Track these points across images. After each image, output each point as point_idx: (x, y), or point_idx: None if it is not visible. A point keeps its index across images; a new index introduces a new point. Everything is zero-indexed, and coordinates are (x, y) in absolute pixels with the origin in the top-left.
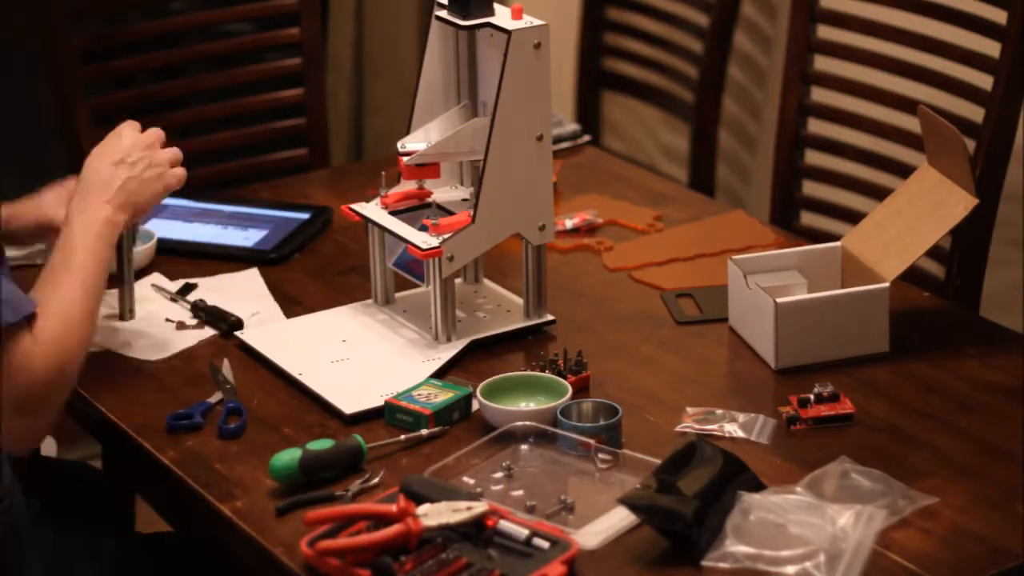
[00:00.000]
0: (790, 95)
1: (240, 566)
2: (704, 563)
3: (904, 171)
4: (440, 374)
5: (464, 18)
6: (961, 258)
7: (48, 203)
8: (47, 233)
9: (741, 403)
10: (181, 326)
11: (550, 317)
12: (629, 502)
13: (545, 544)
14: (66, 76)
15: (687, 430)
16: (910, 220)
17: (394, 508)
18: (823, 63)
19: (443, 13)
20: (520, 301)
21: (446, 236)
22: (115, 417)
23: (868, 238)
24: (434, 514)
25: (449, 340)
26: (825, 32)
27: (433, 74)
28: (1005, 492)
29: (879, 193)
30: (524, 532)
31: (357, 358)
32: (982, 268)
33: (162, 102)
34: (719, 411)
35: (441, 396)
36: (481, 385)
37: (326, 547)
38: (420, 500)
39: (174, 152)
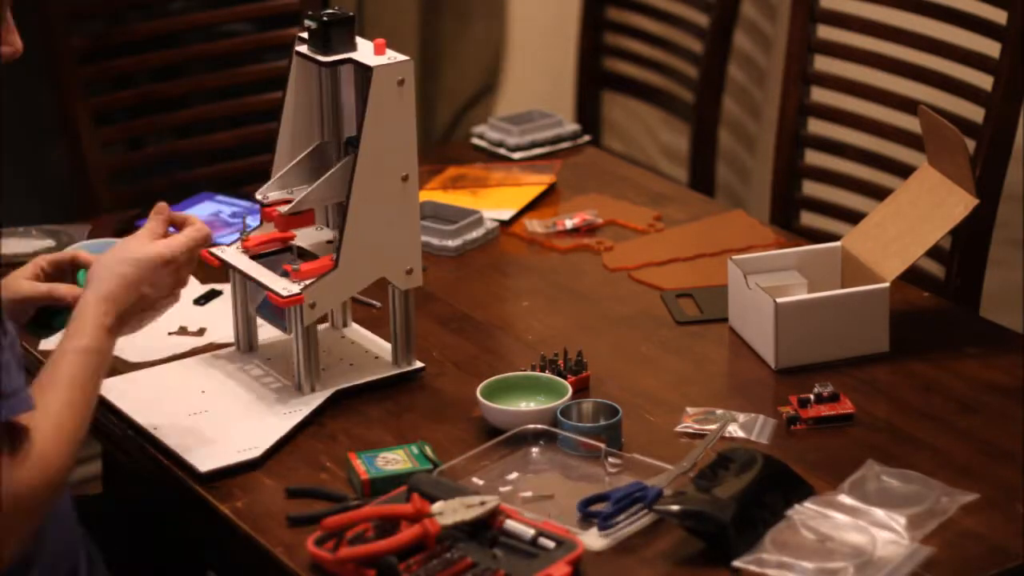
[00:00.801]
0: (790, 95)
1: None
2: (735, 563)
3: (904, 171)
4: (304, 425)
5: (325, 54)
6: (961, 258)
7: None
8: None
9: (741, 403)
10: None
11: (419, 364)
12: (663, 508)
13: (551, 544)
14: (66, 76)
15: (687, 430)
16: (910, 220)
17: (409, 508)
18: (823, 63)
19: (303, 48)
20: (380, 347)
21: (307, 282)
22: (115, 416)
23: (868, 238)
24: (449, 512)
25: (313, 390)
26: (825, 32)
27: (295, 113)
28: (1005, 492)
29: (879, 193)
30: (530, 532)
31: (216, 410)
32: (982, 268)
33: (162, 102)
34: (719, 411)
35: (398, 465)
36: (481, 385)
37: (349, 555)
38: (430, 500)
39: (190, 266)
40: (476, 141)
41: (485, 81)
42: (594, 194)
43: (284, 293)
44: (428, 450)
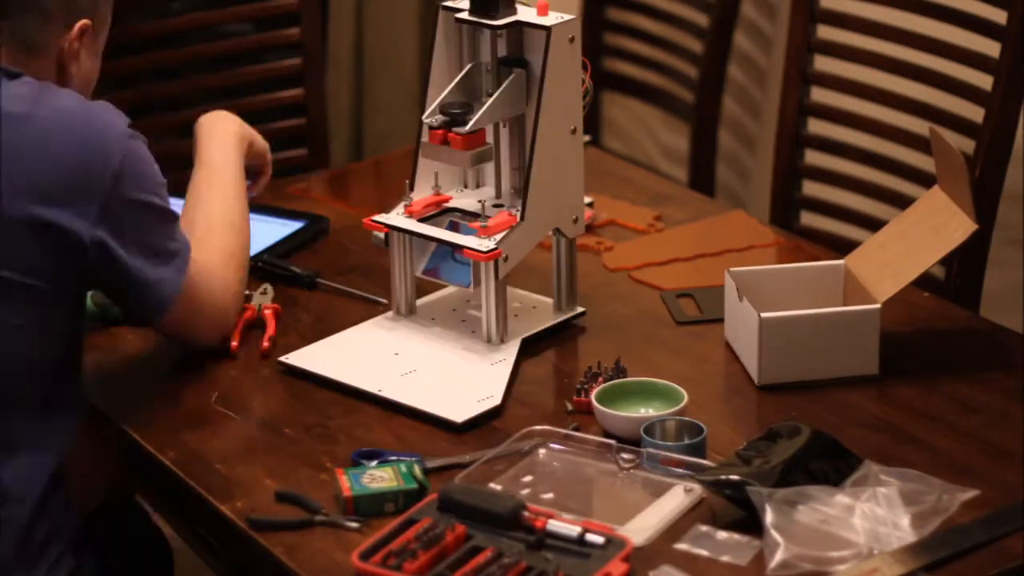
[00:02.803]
0: (790, 95)
1: None
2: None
3: (904, 171)
4: (513, 376)
5: (493, 18)
6: (961, 258)
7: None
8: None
9: (741, 403)
10: None
11: (580, 309)
12: (706, 479)
13: (599, 540)
14: None
15: None
16: (911, 242)
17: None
18: (823, 63)
19: (463, 15)
20: (535, 297)
21: (499, 236)
22: (115, 417)
23: (870, 258)
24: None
25: (503, 341)
26: (825, 32)
27: (443, 73)
28: (1005, 492)
29: (879, 193)
30: (576, 530)
31: (425, 369)
32: (982, 268)
33: (162, 102)
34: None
35: (384, 484)
36: (596, 391)
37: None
38: (460, 508)
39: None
40: None
41: None
42: (594, 194)
43: (482, 249)
44: (417, 470)
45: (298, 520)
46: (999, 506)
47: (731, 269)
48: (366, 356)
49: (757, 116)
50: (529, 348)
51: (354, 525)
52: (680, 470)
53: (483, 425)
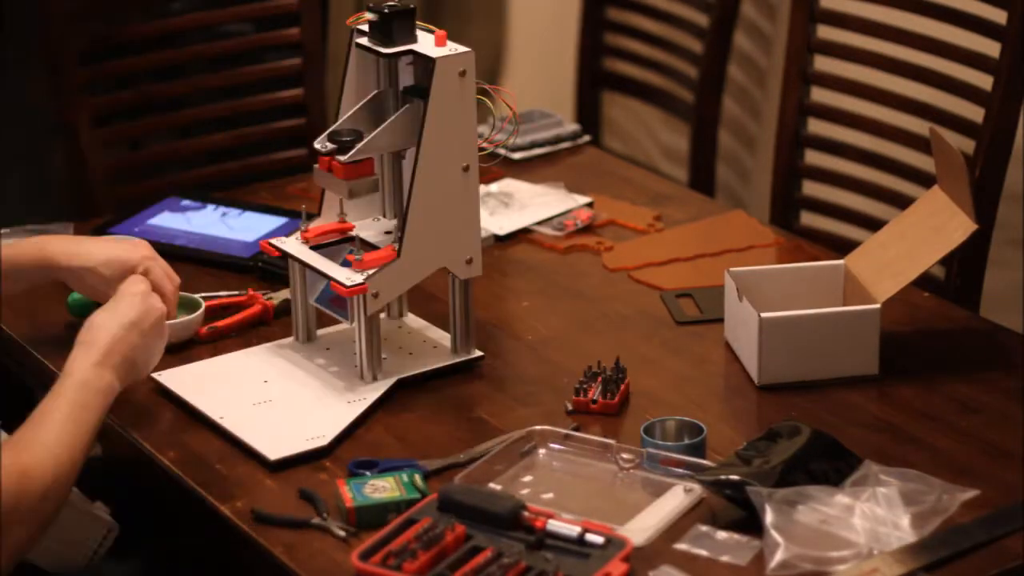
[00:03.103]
0: (790, 95)
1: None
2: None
3: (904, 171)
4: (367, 415)
5: (386, 46)
6: (961, 258)
7: (52, 244)
8: (47, 274)
9: (741, 403)
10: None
11: (478, 353)
12: (705, 479)
13: (599, 539)
14: (66, 76)
15: None
16: (911, 242)
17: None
18: (823, 63)
19: (363, 40)
20: (441, 334)
21: (371, 272)
22: (115, 416)
23: (870, 258)
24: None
25: (375, 379)
26: (825, 32)
27: (351, 98)
28: (1005, 492)
29: (879, 193)
30: (576, 530)
31: (280, 400)
32: (982, 268)
33: (162, 102)
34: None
35: (386, 494)
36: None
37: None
38: (460, 508)
39: (173, 290)
40: None
41: (485, 81)
42: (594, 194)
43: (348, 283)
44: (418, 479)
45: (299, 519)
46: (999, 506)
47: (731, 269)
48: (235, 381)
49: (757, 116)
50: (420, 386)
51: (341, 533)
52: (680, 470)
53: (307, 464)
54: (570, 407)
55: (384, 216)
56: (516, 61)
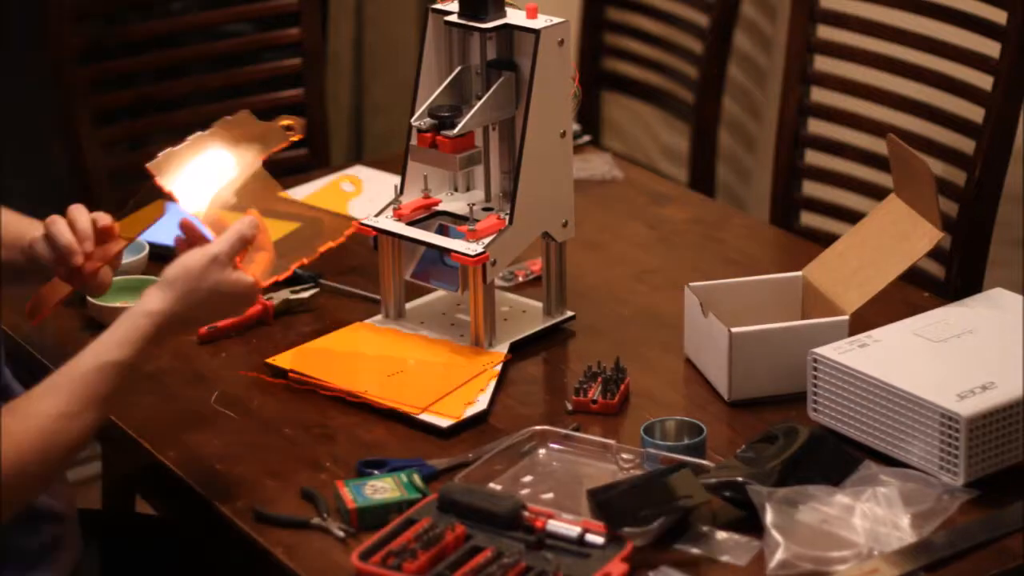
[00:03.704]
0: (790, 95)
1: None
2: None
3: None
4: (500, 379)
5: (483, 21)
6: (961, 258)
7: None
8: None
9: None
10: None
11: (570, 313)
12: (706, 480)
13: (598, 540)
14: (66, 76)
15: None
16: (873, 252)
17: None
18: (823, 63)
19: (452, 18)
20: (524, 301)
21: (487, 240)
22: (115, 416)
23: (830, 269)
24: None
25: (491, 345)
26: (825, 32)
27: (432, 76)
28: (1005, 492)
29: (879, 193)
30: (576, 530)
31: (412, 370)
32: (982, 268)
33: (162, 102)
34: None
35: (387, 494)
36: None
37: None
38: (460, 507)
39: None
40: None
41: None
42: (593, 194)
43: (471, 253)
44: (417, 479)
45: (299, 519)
46: (999, 506)
47: (691, 284)
48: (355, 357)
49: (757, 116)
50: (526, 348)
51: (340, 534)
52: (616, 452)
53: (472, 428)
54: (570, 407)
55: (456, 190)
56: None
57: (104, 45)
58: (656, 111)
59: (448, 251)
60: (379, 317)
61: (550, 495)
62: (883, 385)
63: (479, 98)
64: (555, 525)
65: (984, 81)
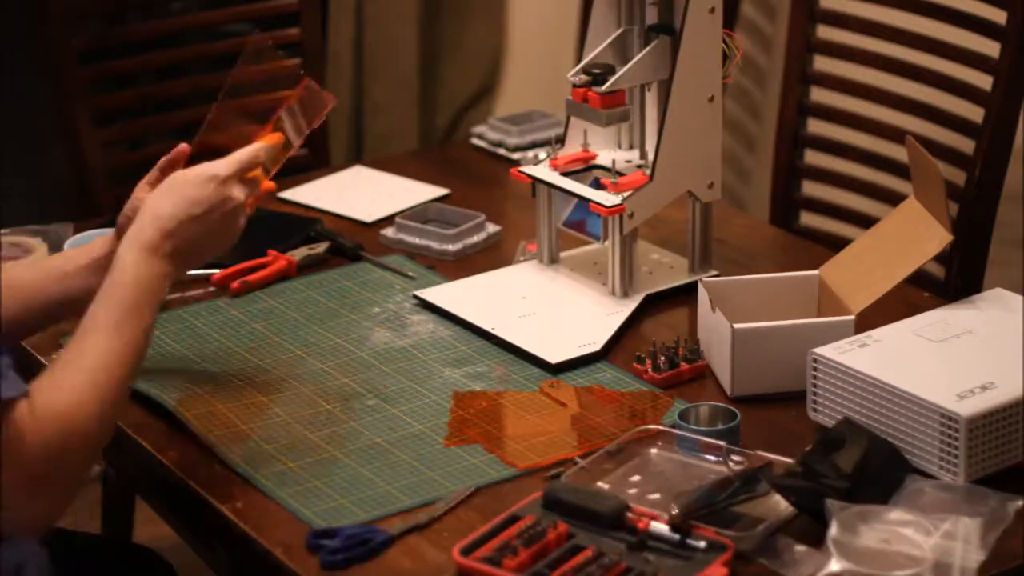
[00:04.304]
0: (790, 95)
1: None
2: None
3: (904, 171)
4: (624, 328)
5: None
6: (961, 258)
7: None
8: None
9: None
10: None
11: (715, 272)
12: (778, 483)
13: (701, 543)
14: (66, 76)
15: None
16: (886, 253)
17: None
18: (823, 63)
19: None
20: (674, 257)
21: (626, 194)
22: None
23: (845, 269)
24: None
25: (626, 295)
26: (825, 32)
27: (597, 35)
28: (1006, 492)
29: (879, 193)
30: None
31: (543, 313)
32: (982, 268)
33: (162, 102)
34: None
35: None
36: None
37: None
38: (564, 506)
39: (245, 187)
40: (476, 141)
41: (485, 81)
42: None
43: (608, 203)
44: None
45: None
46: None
47: (704, 279)
48: (495, 297)
49: (757, 116)
50: (668, 300)
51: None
52: (726, 454)
53: (584, 367)
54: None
55: (619, 147)
56: (516, 61)
57: (104, 45)
58: None
59: (588, 201)
60: (534, 262)
61: (657, 496)
62: (883, 385)
63: None
64: (658, 527)
65: (984, 81)
